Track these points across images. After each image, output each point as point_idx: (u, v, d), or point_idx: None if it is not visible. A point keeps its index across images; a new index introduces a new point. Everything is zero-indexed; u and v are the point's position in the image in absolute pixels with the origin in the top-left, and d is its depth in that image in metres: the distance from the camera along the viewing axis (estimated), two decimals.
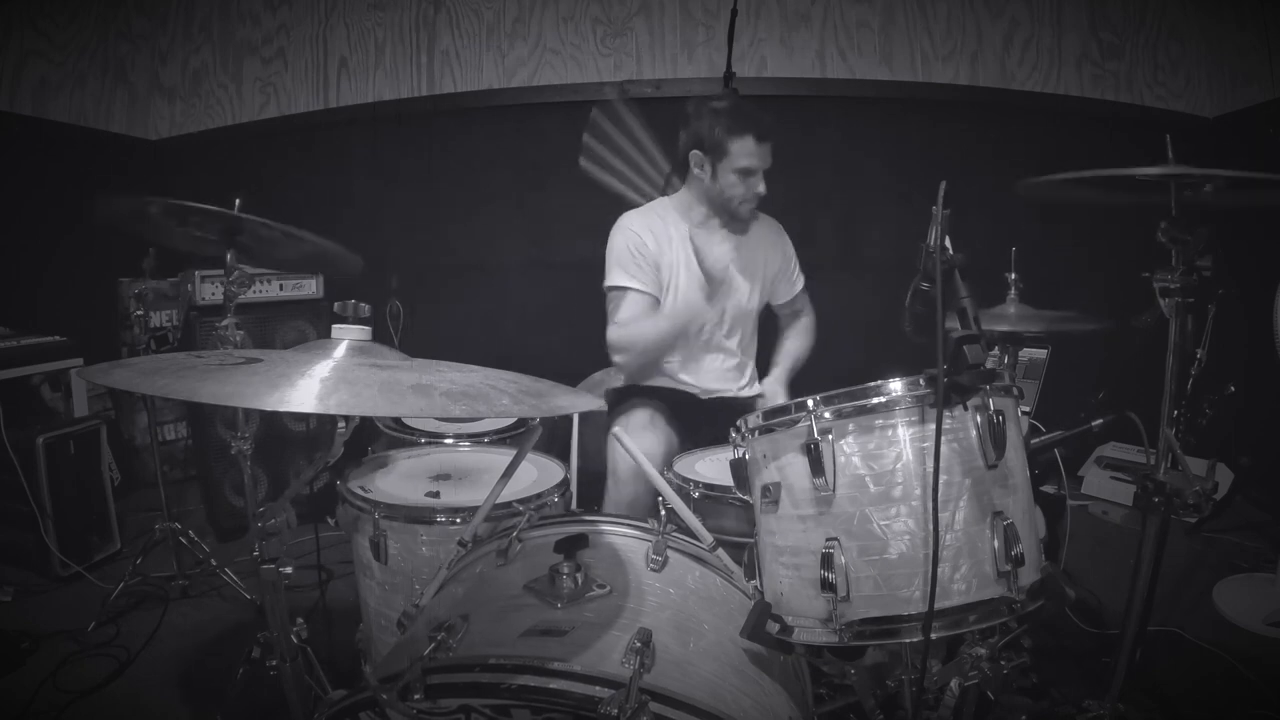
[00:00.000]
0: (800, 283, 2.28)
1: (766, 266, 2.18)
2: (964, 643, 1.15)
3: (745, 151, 1.94)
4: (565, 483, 1.69)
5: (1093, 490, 2.92)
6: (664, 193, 2.25)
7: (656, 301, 2.02)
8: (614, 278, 2.03)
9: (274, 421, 2.77)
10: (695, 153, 2.00)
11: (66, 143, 3.25)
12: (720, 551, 1.23)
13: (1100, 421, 1.57)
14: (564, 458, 1.89)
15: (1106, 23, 3.13)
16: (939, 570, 0.94)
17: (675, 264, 2.04)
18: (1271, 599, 2.06)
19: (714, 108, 1.99)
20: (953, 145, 3.06)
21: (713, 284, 1.98)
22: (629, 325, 2.00)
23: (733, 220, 2.08)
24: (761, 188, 1.98)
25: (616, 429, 1.37)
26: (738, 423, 1.18)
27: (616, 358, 2.04)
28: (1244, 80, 3.05)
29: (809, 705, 1.18)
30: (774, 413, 1.11)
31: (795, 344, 2.26)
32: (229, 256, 1.75)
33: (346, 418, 1.14)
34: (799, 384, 2.21)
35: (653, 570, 1.17)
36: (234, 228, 1.69)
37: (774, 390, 2.13)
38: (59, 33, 3.25)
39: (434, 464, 1.82)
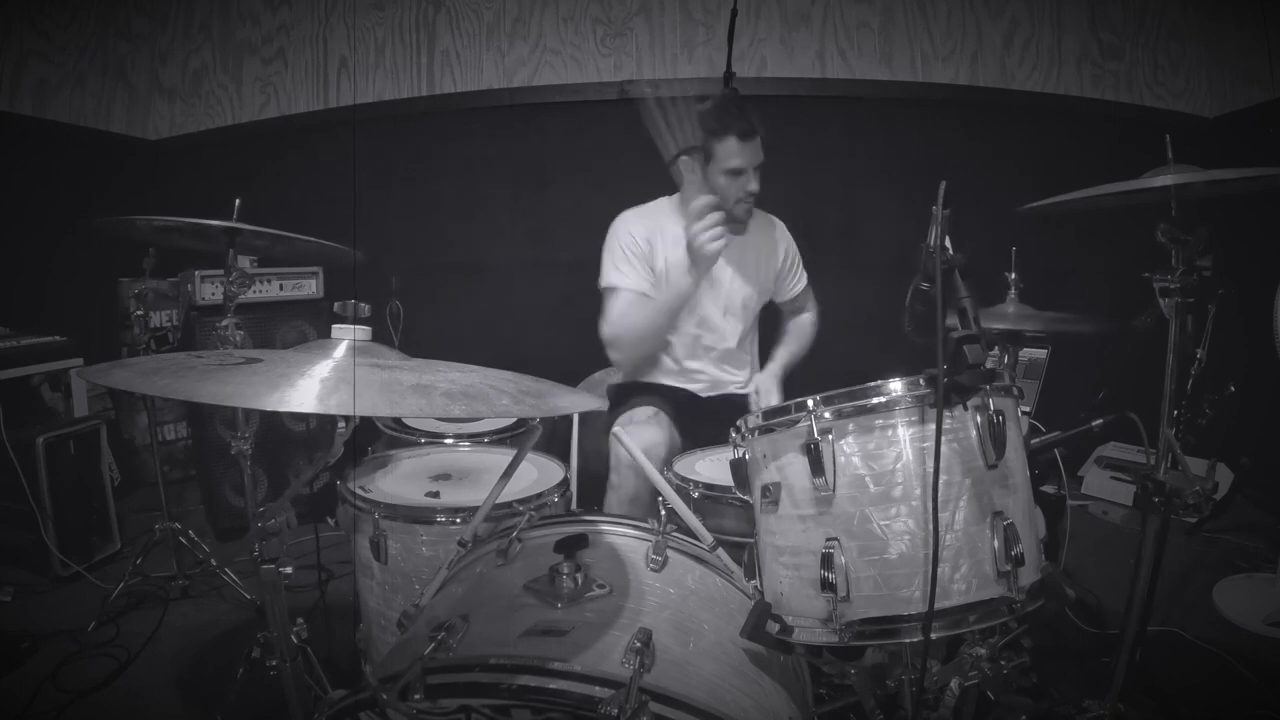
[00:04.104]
0: (804, 280, 2.28)
1: (767, 264, 2.17)
2: (964, 643, 1.14)
3: (730, 152, 1.93)
4: (565, 483, 1.69)
5: (1093, 490, 2.93)
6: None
7: (648, 299, 2.01)
8: (607, 277, 2.03)
9: (274, 421, 2.77)
10: (684, 158, 2.00)
11: (66, 143, 3.25)
12: (720, 551, 1.23)
13: (1100, 421, 1.56)
14: (564, 458, 1.89)
15: (1106, 23, 3.13)
16: (939, 570, 0.94)
17: (671, 262, 2.04)
18: (1271, 599, 2.06)
19: (697, 111, 1.98)
20: (953, 145, 3.06)
21: (705, 277, 1.97)
22: (619, 320, 1.99)
23: (729, 220, 2.07)
24: (754, 185, 1.97)
25: (617, 428, 1.37)
26: (738, 423, 1.18)
27: (611, 354, 2.04)
28: (1244, 80, 3.05)
29: (809, 705, 1.18)
30: (774, 413, 1.11)
31: (794, 340, 2.27)
32: (230, 256, 1.75)
33: (346, 418, 1.14)
34: (799, 383, 2.20)
35: (653, 570, 1.17)
36: (230, 235, 1.71)
37: (767, 385, 2.12)
38: (59, 33, 3.25)
39: (434, 464, 1.82)
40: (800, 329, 2.30)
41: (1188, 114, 3.12)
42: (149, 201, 2.51)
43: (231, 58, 3.56)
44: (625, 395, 2.06)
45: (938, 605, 0.95)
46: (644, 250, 2.02)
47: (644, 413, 1.92)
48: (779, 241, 2.22)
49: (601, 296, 2.07)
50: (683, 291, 1.93)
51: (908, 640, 0.99)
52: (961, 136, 3.09)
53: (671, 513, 1.23)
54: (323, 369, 0.91)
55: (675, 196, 2.14)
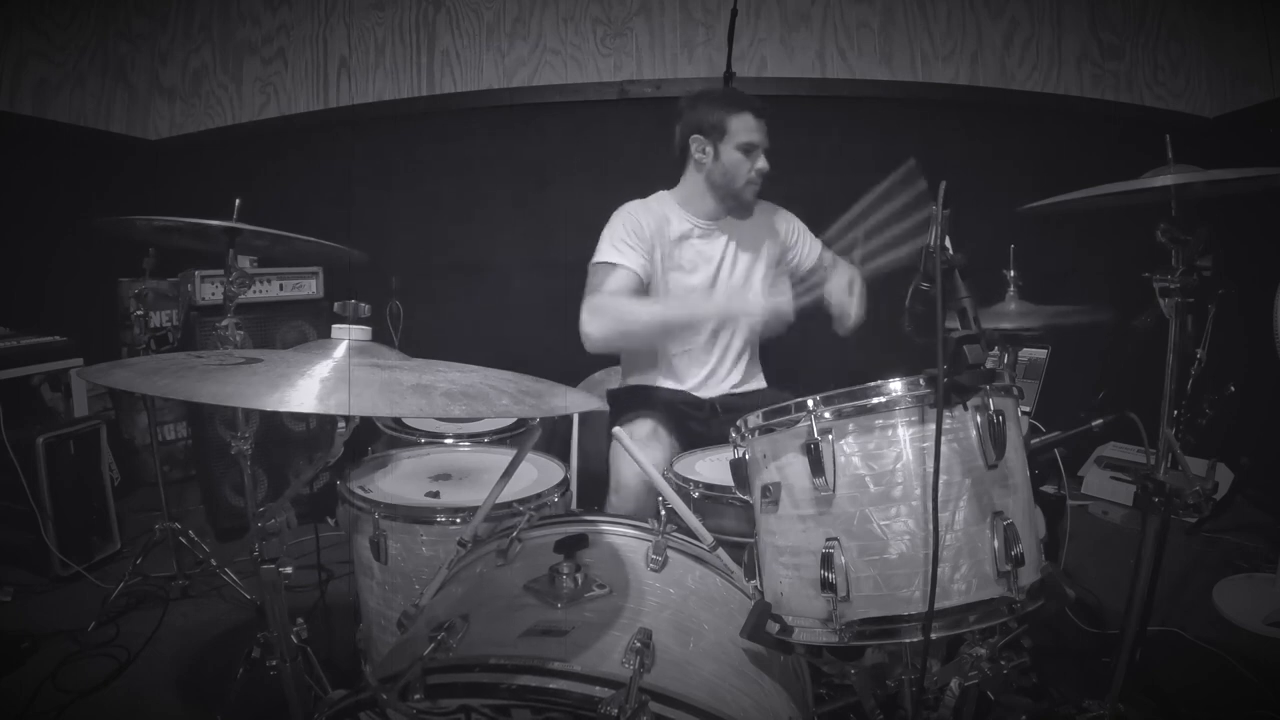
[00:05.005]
0: (818, 244, 2.19)
1: (770, 246, 2.16)
2: (964, 643, 1.14)
3: (746, 127, 1.95)
4: (565, 483, 1.68)
5: (1093, 490, 2.93)
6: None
7: (643, 284, 1.98)
8: (602, 254, 1.98)
9: (274, 421, 2.77)
10: (696, 137, 2.01)
11: (66, 143, 3.25)
12: (720, 551, 1.23)
13: (1100, 421, 1.56)
14: (564, 458, 1.89)
15: (1106, 23, 3.14)
16: (939, 570, 0.94)
17: (668, 258, 2.03)
18: (1271, 599, 2.06)
19: (708, 93, 2.02)
20: (953, 145, 3.06)
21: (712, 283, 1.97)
22: (613, 296, 1.91)
23: (738, 206, 2.07)
24: (763, 164, 1.99)
25: (617, 429, 1.36)
26: (738, 423, 1.18)
27: (588, 325, 1.89)
28: (1244, 80, 3.06)
29: (809, 705, 1.18)
30: (774, 413, 1.11)
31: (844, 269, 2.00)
32: (230, 256, 1.75)
33: (346, 418, 1.13)
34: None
35: (653, 570, 1.17)
36: (230, 235, 1.71)
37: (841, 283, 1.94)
38: (59, 33, 3.25)
39: (434, 464, 1.82)
40: (844, 267, 2.01)
41: (1188, 114, 3.12)
42: (149, 201, 2.51)
43: (231, 58, 3.56)
44: (624, 404, 2.05)
45: (938, 605, 0.95)
46: (645, 235, 2.00)
47: (643, 428, 1.90)
48: (778, 222, 2.19)
49: (587, 275, 2.00)
50: (699, 316, 1.93)
51: (908, 640, 0.99)
52: (961, 136, 3.09)
53: (671, 513, 1.23)
54: (323, 369, 0.91)
55: (675, 190, 2.13)
